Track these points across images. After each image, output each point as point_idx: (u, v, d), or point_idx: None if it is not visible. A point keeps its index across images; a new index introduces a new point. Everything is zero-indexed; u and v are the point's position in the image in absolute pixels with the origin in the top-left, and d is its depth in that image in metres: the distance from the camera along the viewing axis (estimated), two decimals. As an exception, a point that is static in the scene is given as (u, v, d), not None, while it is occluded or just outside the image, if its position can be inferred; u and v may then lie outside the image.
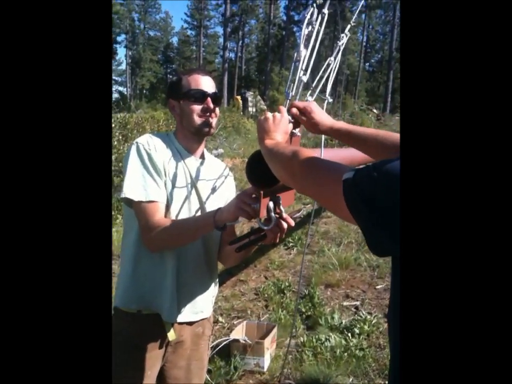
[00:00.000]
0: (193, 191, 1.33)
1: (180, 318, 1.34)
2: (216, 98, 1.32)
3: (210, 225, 1.16)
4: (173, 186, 1.28)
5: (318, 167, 0.74)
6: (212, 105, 1.29)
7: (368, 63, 45.05)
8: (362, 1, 2.56)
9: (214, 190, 1.40)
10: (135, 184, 1.21)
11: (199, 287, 1.39)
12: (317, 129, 1.06)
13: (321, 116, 1.06)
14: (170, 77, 47.33)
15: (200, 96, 1.28)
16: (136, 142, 1.28)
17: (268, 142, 0.93)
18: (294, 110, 1.04)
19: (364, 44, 39.90)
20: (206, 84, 1.30)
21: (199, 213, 1.34)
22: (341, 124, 1.05)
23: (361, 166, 0.64)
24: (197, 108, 1.28)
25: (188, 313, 1.36)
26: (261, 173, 0.97)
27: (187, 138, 1.34)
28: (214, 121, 1.33)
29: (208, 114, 1.30)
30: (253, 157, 0.99)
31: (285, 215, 1.09)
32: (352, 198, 0.62)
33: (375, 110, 21.95)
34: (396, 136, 0.95)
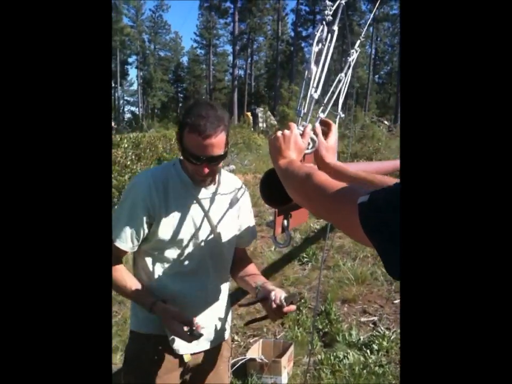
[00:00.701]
0: (204, 221, 1.32)
1: (196, 348, 1.34)
2: (216, 159, 1.23)
3: (145, 308, 1.25)
4: (179, 221, 1.28)
5: (332, 191, 0.73)
6: (206, 171, 1.23)
7: (377, 75, 45.16)
8: (371, 15, 2.57)
9: (227, 212, 1.38)
10: (114, 222, 1.23)
11: (212, 315, 1.38)
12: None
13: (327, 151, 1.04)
14: (181, 96, 48.09)
15: (196, 160, 1.21)
16: (132, 184, 1.31)
17: (281, 161, 0.91)
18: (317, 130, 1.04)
19: (373, 56, 40.06)
20: (205, 150, 1.19)
21: (210, 237, 1.33)
22: (339, 164, 1.03)
23: (375, 189, 0.64)
24: (192, 166, 1.24)
25: (203, 342, 1.35)
26: (275, 192, 0.96)
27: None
28: (211, 178, 1.30)
29: (202, 176, 1.25)
30: (266, 175, 0.99)
31: (285, 305, 1.17)
32: (368, 222, 0.61)
33: (386, 122, 21.92)
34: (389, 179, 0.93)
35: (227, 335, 1.46)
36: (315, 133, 1.02)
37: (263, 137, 16.93)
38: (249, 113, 26.31)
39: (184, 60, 49.73)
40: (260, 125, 24.70)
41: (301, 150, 0.97)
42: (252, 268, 1.47)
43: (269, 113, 26.43)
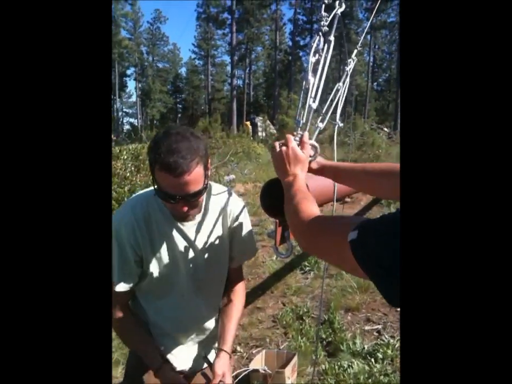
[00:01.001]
0: (191, 253, 1.26)
1: (193, 366, 1.36)
2: (194, 196, 1.10)
3: (152, 368, 1.23)
4: (165, 256, 1.23)
5: (322, 231, 0.75)
6: (185, 209, 1.12)
7: (376, 83, 45.45)
8: (368, 23, 2.59)
9: (216, 240, 1.29)
10: (113, 268, 1.20)
11: (208, 336, 1.39)
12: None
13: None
14: (180, 106, 48.30)
15: (171, 200, 1.10)
16: (115, 226, 1.18)
17: (286, 179, 0.94)
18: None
19: (371, 64, 40.33)
20: (178, 188, 1.06)
21: (199, 268, 1.28)
22: (329, 162, 1.04)
23: (362, 221, 0.66)
24: (169, 204, 1.13)
25: (199, 362, 1.37)
26: (275, 202, 0.96)
27: None
28: (192, 212, 1.17)
29: (179, 213, 1.15)
30: (267, 186, 0.99)
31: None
32: (362, 259, 0.63)
33: (385, 129, 22.02)
34: (382, 165, 0.96)
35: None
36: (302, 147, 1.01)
37: (262, 146, 16.98)
38: (248, 123, 26.43)
39: (183, 70, 50.18)
40: (259, 134, 24.80)
41: (303, 161, 0.97)
42: (232, 310, 1.37)
43: (268, 122, 26.54)
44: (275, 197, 0.96)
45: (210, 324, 1.38)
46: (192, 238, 1.24)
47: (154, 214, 1.20)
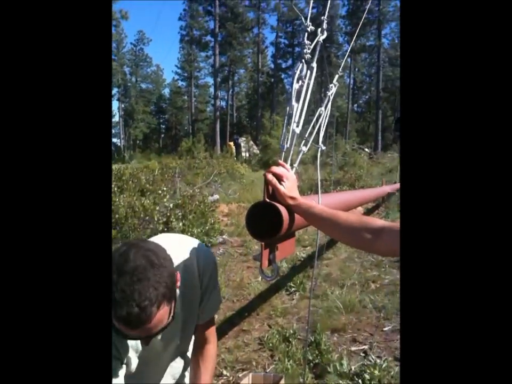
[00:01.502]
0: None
1: None
2: (157, 334, 0.97)
3: None
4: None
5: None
6: (148, 343, 1.00)
7: (356, 104, 46.38)
8: (349, 47, 2.66)
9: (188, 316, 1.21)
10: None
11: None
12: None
13: (291, 192, 1.02)
14: (163, 127, 48.26)
15: (133, 339, 1.01)
16: None
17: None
18: (270, 177, 1.00)
19: (351, 86, 41.21)
20: (138, 334, 0.93)
21: (171, 338, 1.20)
22: (304, 201, 1.01)
23: None
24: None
25: None
26: (261, 225, 0.97)
27: None
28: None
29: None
30: (252, 209, 0.99)
31: None
32: None
33: (366, 149, 22.41)
34: (359, 219, 0.94)
35: None
36: (271, 184, 1.00)
37: (246, 166, 17.07)
38: (231, 143, 26.60)
39: (166, 91, 50.43)
40: (243, 154, 24.96)
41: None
42: (207, 361, 1.30)
43: (251, 142, 26.77)
44: (260, 220, 0.97)
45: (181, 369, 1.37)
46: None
47: None
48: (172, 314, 0.97)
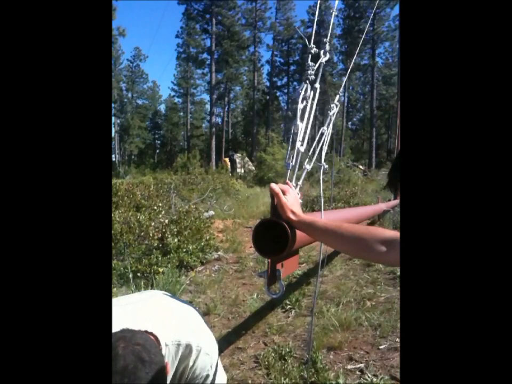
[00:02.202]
0: None
1: None
2: None
3: None
4: None
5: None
6: None
7: (350, 122, 46.86)
8: (349, 69, 2.71)
9: None
10: None
11: None
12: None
13: (293, 206, 1.01)
14: (159, 142, 48.27)
15: None
16: None
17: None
18: (276, 189, 1.00)
19: (346, 104, 41.69)
20: None
21: None
22: (306, 216, 1.01)
23: None
24: None
25: None
26: (268, 242, 0.98)
27: None
28: None
29: None
30: (259, 226, 1.01)
31: None
32: None
33: (361, 166, 22.56)
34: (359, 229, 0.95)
35: None
36: (276, 194, 1.00)
37: (241, 182, 17.08)
38: (227, 159, 26.69)
39: (162, 107, 50.71)
40: (238, 170, 25.03)
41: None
42: None
43: (246, 159, 26.86)
44: (267, 237, 0.98)
45: None
46: None
47: None
48: None
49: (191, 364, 1.08)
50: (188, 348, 1.07)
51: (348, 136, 40.96)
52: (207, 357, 1.11)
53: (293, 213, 0.98)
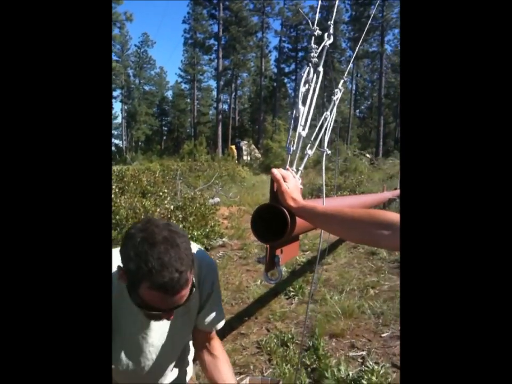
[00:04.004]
0: (151, 335, 1.14)
1: None
2: (183, 304, 1.00)
3: None
4: (123, 339, 1.11)
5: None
6: (171, 317, 1.02)
7: (358, 110, 46.48)
8: (354, 53, 2.67)
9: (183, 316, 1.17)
10: None
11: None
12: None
13: (293, 193, 1.00)
14: (165, 129, 48.37)
15: (160, 312, 0.98)
16: None
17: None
18: (277, 175, 0.99)
19: (354, 92, 41.31)
20: (172, 303, 0.95)
21: (166, 348, 1.18)
22: (306, 203, 0.99)
23: None
24: (153, 314, 1.00)
25: None
26: (266, 228, 0.97)
27: None
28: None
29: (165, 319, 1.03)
30: (258, 211, 1.00)
31: None
32: None
33: (368, 155, 22.44)
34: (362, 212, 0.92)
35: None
36: (277, 181, 0.99)
37: (247, 169, 17.08)
38: (233, 147, 26.66)
39: (169, 94, 50.59)
40: (244, 157, 25.01)
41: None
42: (223, 367, 1.26)
43: (253, 146, 26.81)
44: (266, 222, 0.97)
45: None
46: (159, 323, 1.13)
47: (116, 296, 1.05)
48: (194, 284, 1.01)
49: (197, 270, 1.15)
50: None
51: (355, 124, 40.69)
52: (211, 268, 1.20)
53: (293, 199, 0.96)
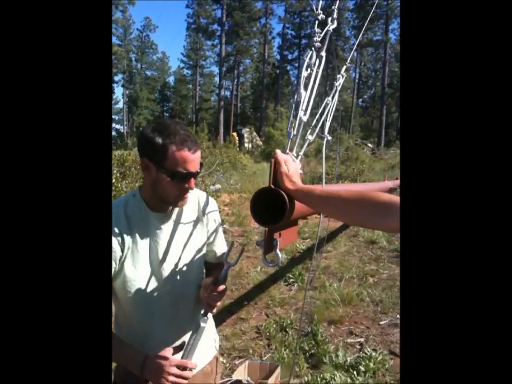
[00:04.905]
0: (162, 254, 1.26)
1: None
2: (199, 172, 1.22)
3: (136, 371, 1.17)
4: (137, 257, 1.22)
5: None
6: (193, 186, 1.20)
7: (361, 99, 46.12)
8: (356, 41, 2.64)
9: (190, 236, 1.32)
10: None
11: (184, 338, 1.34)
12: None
13: (293, 177, 1.00)
14: (167, 115, 48.19)
15: (185, 178, 1.17)
16: None
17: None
18: (278, 156, 1.01)
19: (357, 80, 40.96)
20: (194, 164, 1.17)
21: (176, 268, 1.28)
22: (304, 186, 0.99)
23: None
24: (178, 185, 1.17)
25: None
26: (265, 211, 0.97)
27: (156, 201, 1.24)
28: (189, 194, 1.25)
29: (187, 192, 1.22)
30: (257, 195, 1.00)
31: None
32: None
33: (370, 145, 22.35)
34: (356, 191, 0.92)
35: (213, 352, 1.44)
36: (278, 162, 1.00)
37: (248, 157, 17.03)
38: (235, 134, 26.55)
39: (171, 79, 50.20)
40: (246, 145, 24.92)
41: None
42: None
43: (254, 133, 26.70)
44: (265, 206, 0.97)
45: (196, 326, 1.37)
46: (169, 235, 1.27)
47: (133, 214, 1.23)
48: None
49: (202, 204, 1.35)
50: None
51: (357, 113, 40.41)
52: (213, 205, 1.38)
53: (292, 182, 0.96)
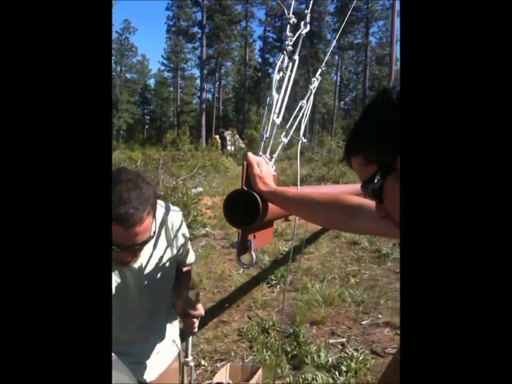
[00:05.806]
0: (133, 280, 1.23)
1: (148, 377, 1.36)
2: (141, 245, 1.10)
3: None
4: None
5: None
6: (129, 258, 1.12)
7: (342, 102, 46.62)
8: (332, 44, 2.68)
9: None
10: None
11: (160, 343, 1.40)
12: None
13: (266, 179, 1.00)
14: (148, 118, 47.81)
15: (117, 248, 1.06)
16: None
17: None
18: (251, 159, 1.01)
19: (338, 83, 41.37)
20: (129, 239, 1.05)
21: (146, 293, 1.27)
22: (277, 188, 0.99)
23: None
24: (114, 252, 1.08)
25: (153, 369, 1.37)
26: (239, 213, 0.98)
27: None
28: (134, 259, 1.17)
29: (125, 262, 1.14)
30: (230, 197, 1.00)
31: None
32: None
33: (351, 146, 22.54)
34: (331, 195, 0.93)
35: (175, 351, 1.49)
36: (250, 165, 1.00)
37: (231, 159, 17.03)
38: (217, 136, 26.54)
39: (151, 82, 49.87)
40: (228, 147, 24.91)
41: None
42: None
43: (237, 136, 26.71)
44: (238, 208, 0.98)
45: (162, 331, 1.41)
46: (139, 266, 1.23)
47: None
48: (153, 230, 1.12)
49: (169, 224, 1.30)
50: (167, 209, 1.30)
51: (339, 116, 40.78)
52: (180, 221, 1.34)
53: (265, 183, 0.97)
